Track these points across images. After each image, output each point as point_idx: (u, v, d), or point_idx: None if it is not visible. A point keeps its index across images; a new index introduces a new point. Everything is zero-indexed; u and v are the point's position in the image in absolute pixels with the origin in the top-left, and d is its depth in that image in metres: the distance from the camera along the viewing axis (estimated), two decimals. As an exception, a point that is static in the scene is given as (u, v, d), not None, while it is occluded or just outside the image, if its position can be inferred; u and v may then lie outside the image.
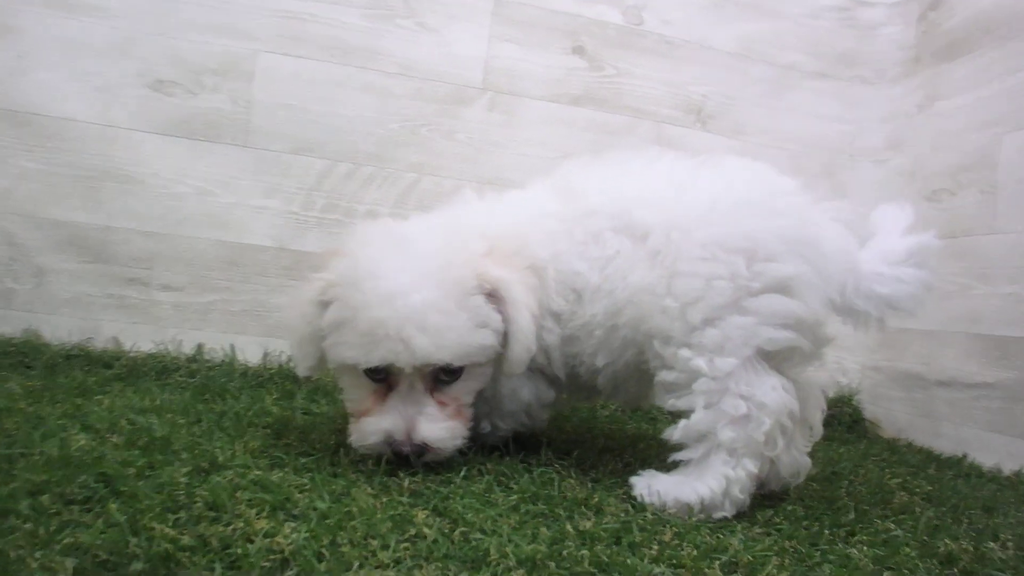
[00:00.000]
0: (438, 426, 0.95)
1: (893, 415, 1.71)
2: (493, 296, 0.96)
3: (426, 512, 0.80)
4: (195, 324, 1.54)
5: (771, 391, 0.91)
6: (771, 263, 0.92)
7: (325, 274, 0.98)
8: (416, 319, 0.89)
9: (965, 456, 1.49)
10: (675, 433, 0.94)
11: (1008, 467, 1.40)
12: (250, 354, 1.55)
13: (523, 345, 0.96)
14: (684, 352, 0.93)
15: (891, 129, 1.82)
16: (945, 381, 1.57)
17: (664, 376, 0.95)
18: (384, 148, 1.61)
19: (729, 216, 0.94)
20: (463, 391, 0.99)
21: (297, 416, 1.23)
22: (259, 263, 1.56)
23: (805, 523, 0.91)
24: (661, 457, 1.15)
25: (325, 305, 0.96)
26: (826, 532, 0.88)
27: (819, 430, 1.02)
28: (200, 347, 1.53)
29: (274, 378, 1.50)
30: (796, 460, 0.97)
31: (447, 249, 0.97)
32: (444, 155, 1.64)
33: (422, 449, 0.94)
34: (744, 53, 1.79)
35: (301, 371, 1.03)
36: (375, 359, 0.91)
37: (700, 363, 0.91)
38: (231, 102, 1.54)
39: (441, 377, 0.96)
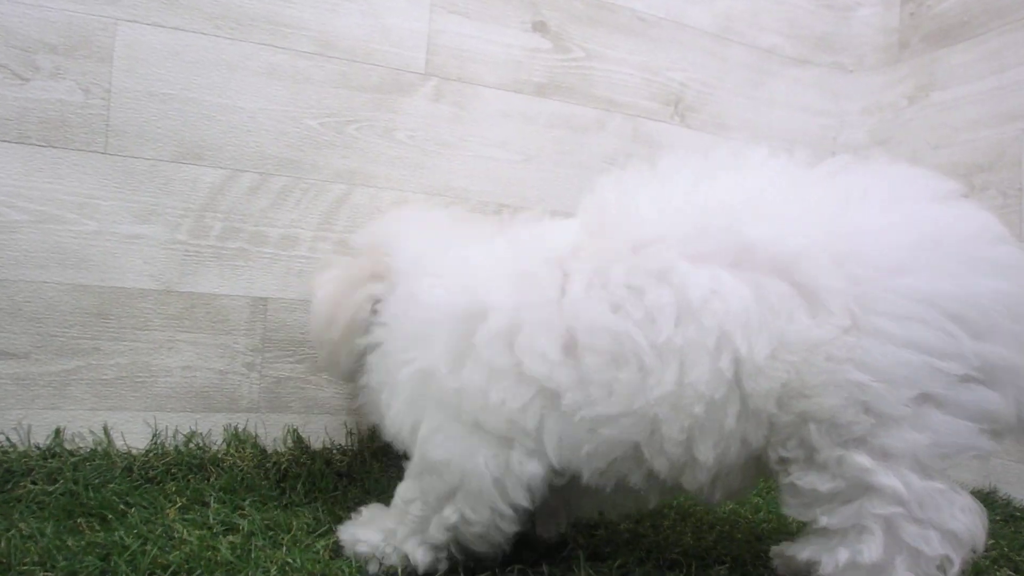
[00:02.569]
0: None
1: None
2: None
3: None
4: (49, 401, 1.10)
5: (961, 515, 0.66)
6: (988, 342, 0.65)
7: None
8: None
9: (996, 490, 1.33)
10: (827, 564, 0.67)
11: (1051, 506, 1.24)
12: (132, 437, 1.13)
13: None
14: (860, 460, 0.65)
15: (876, 122, 1.63)
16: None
17: (810, 481, 0.68)
18: (301, 152, 1.23)
19: (947, 262, 0.66)
20: None
21: (221, 543, 0.86)
22: (137, 313, 1.14)
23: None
24: (713, 552, 0.90)
25: None
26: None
27: None
28: (59, 433, 1.10)
29: (171, 470, 1.09)
30: None
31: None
32: (381, 159, 1.28)
33: None
34: (722, 33, 1.54)
35: None
36: None
37: (891, 482, 0.64)
38: (81, 91, 1.10)
39: None
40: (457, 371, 0.74)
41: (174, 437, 1.15)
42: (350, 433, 1.26)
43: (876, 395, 0.65)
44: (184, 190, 1.16)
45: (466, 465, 0.75)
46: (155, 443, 1.14)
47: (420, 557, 0.80)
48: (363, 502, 1.01)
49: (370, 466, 1.21)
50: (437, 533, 0.80)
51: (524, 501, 0.77)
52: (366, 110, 1.26)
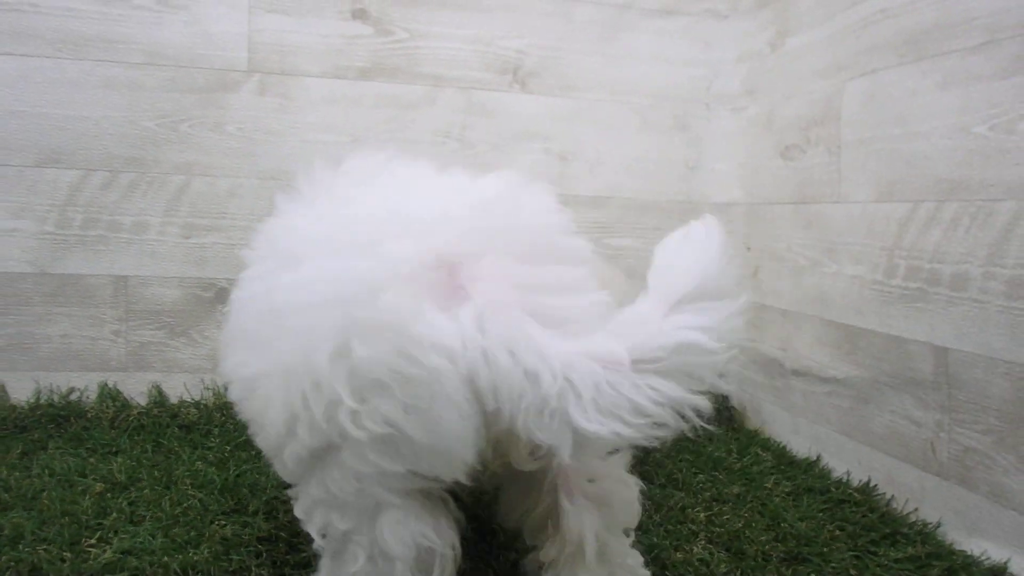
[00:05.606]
0: None
1: (757, 403, 1.51)
2: None
3: None
4: (-41, 364, 1.40)
5: (387, 532, 0.67)
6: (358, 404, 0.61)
7: None
8: None
9: (819, 459, 1.30)
10: None
11: (857, 477, 1.19)
12: (20, 392, 1.41)
13: None
14: (295, 506, 0.73)
15: (746, 71, 1.55)
16: (800, 370, 1.36)
17: None
18: (142, 150, 1.42)
19: (304, 319, 0.63)
20: None
21: (22, 485, 1.09)
22: (19, 292, 1.41)
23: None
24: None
25: None
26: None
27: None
28: (-34, 390, 1.40)
29: (42, 420, 1.37)
30: None
31: None
32: (214, 151, 1.44)
33: None
34: (567, -6, 1.52)
35: None
36: None
37: (309, 527, 0.71)
38: (-44, 115, 1.36)
39: None
40: None
41: (52, 394, 1.42)
42: (206, 388, 1.47)
43: (280, 448, 0.68)
44: (48, 190, 1.40)
45: None
46: (38, 397, 1.41)
47: None
48: (180, 448, 1.24)
49: (212, 416, 1.41)
50: None
51: None
52: (196, 109, 1.42)
